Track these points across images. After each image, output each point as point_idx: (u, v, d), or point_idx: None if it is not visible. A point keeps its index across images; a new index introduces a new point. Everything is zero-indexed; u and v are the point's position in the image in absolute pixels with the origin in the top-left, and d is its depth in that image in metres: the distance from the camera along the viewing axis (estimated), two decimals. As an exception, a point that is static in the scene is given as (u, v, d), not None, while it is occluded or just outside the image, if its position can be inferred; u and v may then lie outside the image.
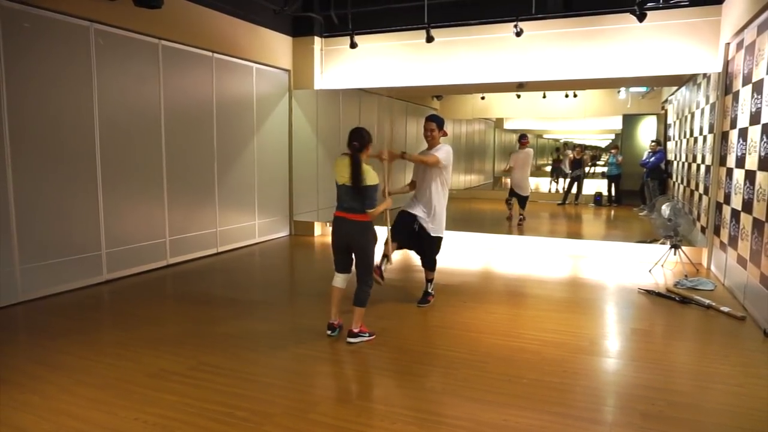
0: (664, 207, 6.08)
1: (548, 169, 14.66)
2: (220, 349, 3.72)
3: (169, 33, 6.02)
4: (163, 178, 6.12)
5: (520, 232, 8.49)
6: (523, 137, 9.06)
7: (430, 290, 4.85)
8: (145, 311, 4.62)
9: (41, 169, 4.87)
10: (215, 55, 6.75)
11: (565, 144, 14.44)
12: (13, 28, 4.58)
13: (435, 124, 4.50)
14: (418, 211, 4.56)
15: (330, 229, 3.97)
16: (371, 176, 3.71)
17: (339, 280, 3.97)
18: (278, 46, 7.89)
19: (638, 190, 10.77)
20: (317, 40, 8.14)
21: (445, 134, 4.61)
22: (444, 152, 4.47)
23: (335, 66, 8.22)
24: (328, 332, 3.96)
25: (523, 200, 8.96)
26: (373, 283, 3.92)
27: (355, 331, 3.84)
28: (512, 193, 9.09)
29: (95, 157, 5.33)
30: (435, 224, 4.58)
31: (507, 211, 9.34)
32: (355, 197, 3.74)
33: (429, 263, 4.77)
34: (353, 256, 3.88)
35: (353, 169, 3.69)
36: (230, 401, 2.95)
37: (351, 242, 3.82)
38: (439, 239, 4.66)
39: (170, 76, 6.12)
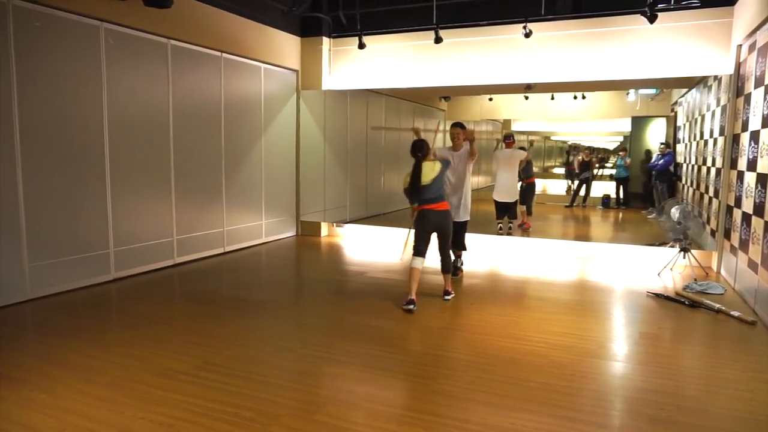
0: (673, 210, 6.03)
1: (557, 170, 14.59)
2: (227, 349, 3.72)
3: (178, 33, 6.04)
4: (171, 178, 6.13)
5: (522, 235, 8.45)
6: (508, 137, 8.08)
7: (459, 265, 5.89)
8: (152, 310, 4.63)
9: (50, 168, 4.89)
10: (224, 54, 6.77)
11: (571, 146, 14.34)
12: (23, 26, 4.61)
13: (461, 129, 5.54)
14: (456, 213, 5.48)
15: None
16: (430, 173, 4.71)
17: (420, 262, 4.79)
18: (286, 46, 7.90)
19: (647, 192, 10.69)
20: (325, 40, 8.15)
21: (467, 138, 5.50)
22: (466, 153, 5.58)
23: (343, 66, 8.22)
24: (412, 306, 4.63)
25: (511, 207, 7.96)
26: (451, 255, 5.04)
27: (449, 290, 5.02)
28: (498, 208, 7.97)
29: (104, 156, 5.36)
30: (464, 211, 5.61)
31: (502, 227, 8.00)
32: (431, 190, 4.72)
33: (461, 246, 5.81)
34: (438, 237, 4.87)
35: (415, 173, 4.69)
36: (236, 401, 2.95)
37: (438, 227, 4.81)
38: (466, 222, 5.73)
39: (179, 76, 6.14)
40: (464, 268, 6.01)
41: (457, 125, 5.57)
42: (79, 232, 5.18)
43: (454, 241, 5.51)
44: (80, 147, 5.14)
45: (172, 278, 5.78)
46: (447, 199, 4.90)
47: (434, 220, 4.78)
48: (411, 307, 4.63)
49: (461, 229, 5.64)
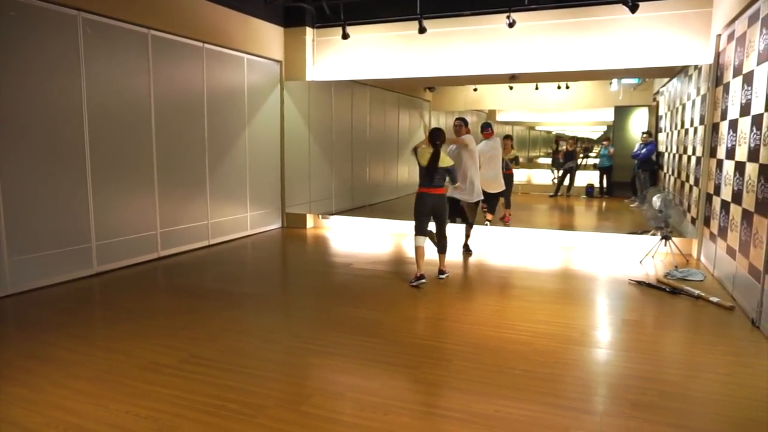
0: (655, 198, 6.11)
1: (542, 161, 14.68)
2: (213, 342, 3.71)
3: (159, 23, 5.94)
4: (154, 170, 6.06)
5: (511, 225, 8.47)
6: (486, 127, 7.33)
7: (469, 243, 6.60)
8: (136, 304, 4.59)
9: (29, 161, 4.81)
10: (206, 45, 6.69)
11: (557, 136, 14.43)
12: (-2, 17, 4.51)
13: (461, 122, 6.05)
14: (463, 195, 6.15)
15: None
16: (447, 160, 5.21)
17: (422, 240, 5.26)
18: (269, 36, 7.82)
19: (629, 181, 10.82)
20: (309, 30, 8.08)
21: (468, 132, 6.08)
22: (469, 139, 6.11)
23: (327, 57, 8.16)
24: (424, 281, 5.11)
25: (495, 199, 7.31)
26: (447, 236, 5.44)
27: (444, 270, 5.40)
28: (487, 198, 7.10)
29: (84, 149, 5.27)
30: (474, 193, 6.18)
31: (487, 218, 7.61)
32: (434, 175, 5.13)
33: (471, 224, 6.49)
34: (434, 219, 5.27)
35: (434, 157, 5.10)
36: (222, 394, 2.95)
37: (434, 209, 5.21)
38: (478, 202, 6.39)
39: (160, 67, 6.05)
40: (448, 258, 6.06)
41: (461, 119, 6.11)
42: (60, 225, 5.11)
43: (467, 222, 6.39)
44: (59, 139, 5.06)
45: (156, 272, 5.73)
46: (444, 185, 5.31)
47: (429, 202, 5.18)
48: (423, 281, 5.09)
49: (473, 210, 6.39)
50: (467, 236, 6.60)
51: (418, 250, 5.23)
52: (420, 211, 5.23)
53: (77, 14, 5.13)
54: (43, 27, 4.87)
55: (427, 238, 5.33)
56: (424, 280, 5.11)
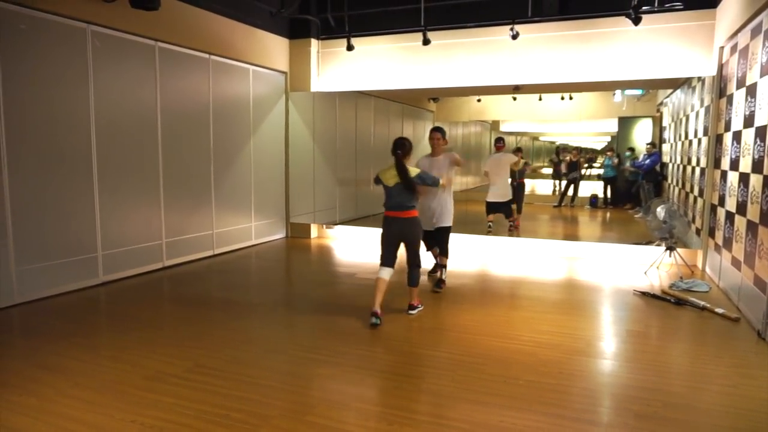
0: (659, 209, 6.11)
1: (546, 171, 14.69)
2: (218, 351, 3.72)
3: (166, 35, 6.02)
4: (160, 180, 6.11)
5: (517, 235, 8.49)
6: (498, 140, 8.23)
7: (443, 277, 5.50)
8: (141, 313, 4.61)
9: (37, 171, 4.86)
10: (212, 57, 6.76)
11: (559, 147, 14.45)
12: (9, 29, 4.58)
13: (440, 134, 5.43)
14: (434, 220, 5.41)
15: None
16: (414, 170, 4.52)
17: (386, 272, 4.49)
18: (275, 48, 7.90)
19: (633, 192, 10.81)
20: (314, 42, 8.16)
21: (446, 143, 5.48)
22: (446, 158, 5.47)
23: (332, 68, 8.23)
24: (374, 320, 4.24)
25: (504, 207, 8.06)
26: (421, 264, 4.62)
27: (415, 304, 4.62)
28: (489, 207, 8.09)
29: (92, 159, 5.33)
30: (446, 216, 5.44)
31: (491, 225, 8.05)
32: (404, 193, 4.42)
33: (445, 250, 5.57)
34: (404, 247, 4.54)
35: (400, 169, 4.40)
36: (227, 403, 2.96)
37: (403, 236, 4.49)
38: (449, 228, 5.52)
39: (167, 78, 6.12)
40: (452, 267, 6.06)
41: (437, 130, 5.44)
42: (67, 235, 5.15)
43: (440, 249, 5.56)
44: (67, 149, 5.11)
45: (161, 281, 5.76)
46: (415, 206, 4.52)
47: (395, 228, 4.46)
48: (373, 320, 4.22)
49: (445, 234, 5.49)
50: (443, 266, 5.59)
51: (377, 283, 4.41)
52: (385, 238, 4.49)
53: (86, 27, 5.20)
54: (53, 39, 4.94)
55: (391, 270, 4.52)
56: (374, 320, 4.21)
